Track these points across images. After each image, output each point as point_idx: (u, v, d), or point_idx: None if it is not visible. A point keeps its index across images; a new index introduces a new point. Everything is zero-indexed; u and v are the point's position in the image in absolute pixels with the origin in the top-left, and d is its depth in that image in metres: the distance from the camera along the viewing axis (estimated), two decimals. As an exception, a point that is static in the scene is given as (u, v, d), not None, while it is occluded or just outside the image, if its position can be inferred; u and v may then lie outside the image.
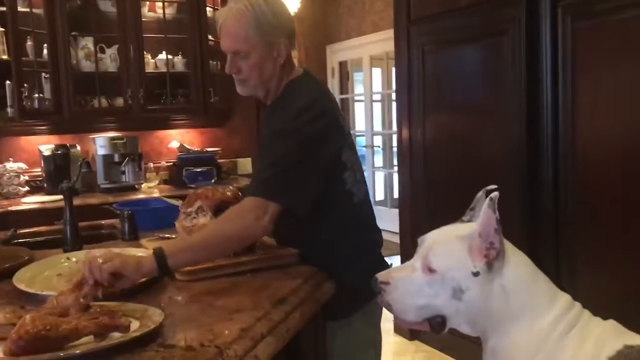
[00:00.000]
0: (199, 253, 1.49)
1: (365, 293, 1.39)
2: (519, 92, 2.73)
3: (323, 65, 6.74)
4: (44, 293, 1.42)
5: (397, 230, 3.73)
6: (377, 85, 7.17)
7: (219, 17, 1.65)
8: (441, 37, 3.24)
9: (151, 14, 4.19)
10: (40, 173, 3.88)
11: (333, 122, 1.62)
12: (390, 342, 3.52)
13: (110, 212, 2.40)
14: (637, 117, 2.28)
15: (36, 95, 3.73)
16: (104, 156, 3.92)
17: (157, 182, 4.23)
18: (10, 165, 3.77)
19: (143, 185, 4.04)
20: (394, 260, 3.12)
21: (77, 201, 2.03)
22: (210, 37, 4.23)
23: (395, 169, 6.76)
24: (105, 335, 1.12)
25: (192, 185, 3.92)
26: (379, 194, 7.09)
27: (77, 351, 1.06)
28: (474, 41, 3.03)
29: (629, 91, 2.31)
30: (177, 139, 4.42)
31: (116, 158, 3.92)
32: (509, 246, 1.25)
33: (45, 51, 3.75)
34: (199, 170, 4.08)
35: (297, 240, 1.70)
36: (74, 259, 1.76)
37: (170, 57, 4.18)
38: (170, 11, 4.23)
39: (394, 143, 6.79)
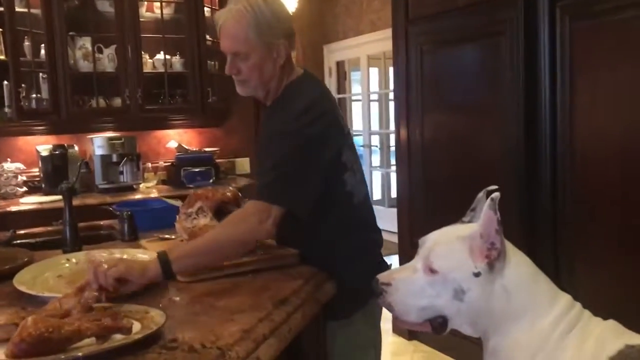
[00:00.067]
0: (202, 257, 1.50)
1: (365, 293, 1.39)
2: (517, 92, 2.73)
3: (320, 64, 6.75)
4: (45, 295, 1.42)
5: (395, 230, 3.74)
6: (375, 84, 7.18)
7: (218, 18, 1.65)
8: (439, 36, 3.24)
9: (149, 14, 4.18)
10: (38, 173, 3.87)
11: (333, 122, 1.63)
12: (389, 342, 3.52)
13: (108, 213, 2.39)
14: (635, 117, 2.29)
15: (34, 95, 3.72)
16: (102, 156, 3.90)
17: (155, 182, 4.22)
18: (8, 165, 3.76)
19: (141, 186, 4.03)
20: (392, 260, 3.11)
21: (75, 201, 2.02)
22: (208, 37, 4.22)
23: (393, 168, 6.78)
24: (107, 337, 1.12)
25: (191, 185, 3.91)
26: (376, 193, 7.10)
27: (79, 353, 1.06)
28: (472, 41, 3.03)
29: (627, 91, 2.31)
30: (175, 139, 4.41)
31: (114, 158, 3.91)
32: (509, 246, 1.25)
33: (42, 51, 3.74)
34: (197, 170, 4.07)
35: (298, 241, 1.70)
36: (74, 260, 1.76)
37: (168, 57, 4.17)
38: (168, 11, 4.23)
39: (391, 142, 6.84)
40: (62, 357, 1.04)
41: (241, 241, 1.53)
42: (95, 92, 3.93)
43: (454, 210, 1.41)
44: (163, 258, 1.41)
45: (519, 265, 1.24)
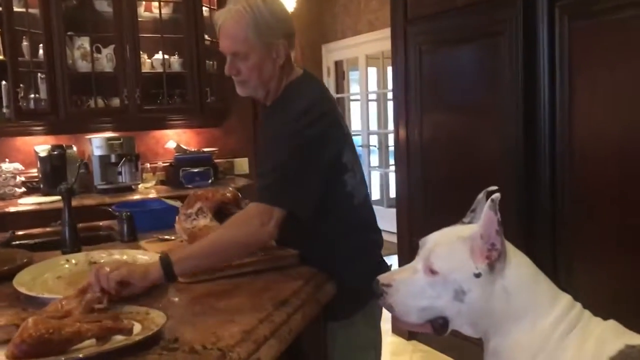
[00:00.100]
0: (204, 260, 1.50)
1: (365, 293, 1.39)
2: (516, 91, 2.74)
3: (319, 64, 6.75)
4: (44, 296, 1.41)
5: (394, 230, 3.75)
6: (373, 84, 7.18)
7: (217, 19, 1.65)
8: (438, 36, 3.24)
9: (147, 13, 4.18)
10: (36, 174, 3.87)
11: (333, 123, 1.62)
12: (388, 343, 3.52)
13: (106, 213, 2.39)
14: (634, 117, 2.29)
15: (32, 95, 3.72)
16: (101, 157, 3.90)
17: (154, 182, 4.22)
18: (6, 166, 3.75)
19: (140, 186, 4.02)
20: (391, 260, 3.10)
21: (73, 202, 2.02)
22: (206, 36, 4.22)
23: (391, 168, 6.78)
24: (108, 338, 1.12)
25: (189, 186, 3.91)
26: (375, 193, 7.10)
27: (80, 355, 1.06)
28: (471, 41, 3.03)
29: (626, 91, 2.32)
30: (173, 139, 4.41)
31: (113, 159, 3.90)
32: (510, 247, 1.25)
33: (41, 51, 3.74)
34: (195, 170, 4.07)
35: (298, 241, 1.70)
36: (73, 261, 1.75)
37: (166, 57, 4.16)
38: (166, 11, 4.22)
39: (390, 142, 6.84)
40: (63, 358, 1.04)
41: (243, 243, 1.53)
42: (93, 92, 3.93)
43: (452, 210, 1.41)
44: (165, 260, 1.41)
45: (519, 265, 1.24)
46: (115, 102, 4.03)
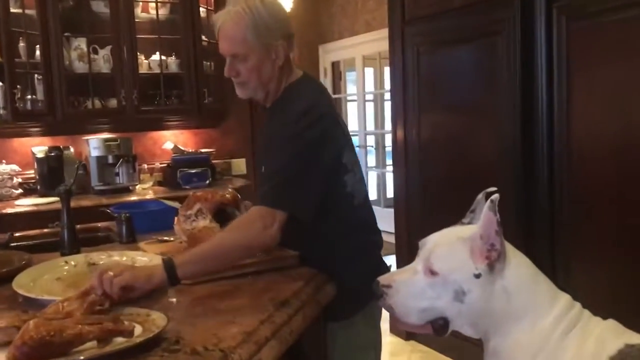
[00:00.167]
0: (208, 263, 1.50)
1: (365, 294, 1.39)
2: (514, 92, 2.74)
3: (315, 65, 6.75)
4: (44, 298, 1.41)
5: (391, 230, 3.74)
6: (370, 85, 7.18)
7: (217, 20, 1.65)
8: (436, 37, 3.25)
9: (144, 14, 4.17)
10: (33, 175, 3.86)
11: (333, 124, 1.63)
12: (386, 343, 3.52)
13: (104, 214, 2.38)
14: (631, 117, 2.30)
15: (29, 96, 3.70)
16: (98, 158, 3.89)
17: (151, 183, 4.21)
18: (3, 167, 3.74)
19: (137, 187, 4.01)
20: (389, 260, 3.10)
21: (70, 203, 2.01)
22: (203, 37, 4.22)
23: (388, 168, 6.79)
24: (109, 340, 1.12)
25: (187, 187, 3.91)
26: (372, 193, 7.11)
27: (81, 357, 1.06)
28: (469, 41, 3.04)
29: (623, 91, 2.32)
30: (171, 140, 4.40)
31: (110, 159, 3.89)
32: (509, 248, 1.26)
33: (37, 52, 3.72)
34: (193, 171, 4.06)
35: (297, 242, 1.70)
36: (72, 263, 1.75)
37: (163, 57, 4.16)
38: (163, 12, 4.21)
39: (387, 143, 6.85)
40: (64, 361, 1.04)
41: (246, 247, 1.53)
42: (90, 93, 3.92)
43: (450, 209, 1.41)
44: (168, 263, 1.41)
45: (519, 266, 1.25)
46: (113, 103, 4.03)
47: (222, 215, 1.77)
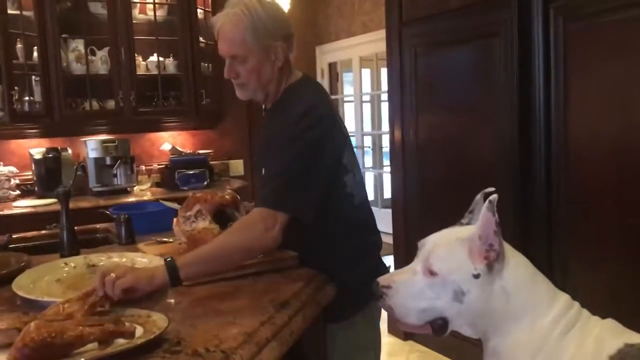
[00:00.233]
0: (209, 264, 1.50)
1: (365, 295, 1.39)
2: (511, 92, 2.75)
3: (312, 66, 6.74)
4: (44, 299, 1.41)
5: (388, 230, 3.74)
6: (367, 86, 7.19)
7: (216, 22, 1.65)
8: (433, 38, 3.26)
9: (142, 16, 4.16)
10: (31, 177, 3.85)
11: (332, 125, 1.63)
12: (385, 343, 3.47)
13: (102, 216, 2.38)
14: (629, 117, 2.31)
15: (27, 98, 3.70)
16: (96, 159, 3.88)
17: (149, 184, 4.21)
18: (1, 169, 3.74)
19: (135, 188, 4.01)
20: (387, 261, 3.10)
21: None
22: (201, 39, 4.21)
23: (385, 169, 6.80)
24: (110, 341, 1.12)
25: (185, 188, 3.91)
26: (369, 194, 7.03)
27: (82, 359, 1.06)
28: (466, 42, 3.05)
29: (620, 91, 2.34)
30: (169, 141, 4.40)
31: (108, 161, 3.88)
32: (508, 248, 1.26)
33: (35, 54, 3.72)
34: (191, 172, 4.06)
35: (297, 242, 1.70)
36: (72, 264, 1.75)
37: (161, 59, 4.15)
38: (160, 13, 4.21)
39: (384, 143, 6.85)
40: (65, 362, 1.04)
41: (248, 248, 1.53)
42: (88, 94, 3.91)
43: (448, 210, 1.42)
44: (171, 264, 1.41)
45: (517, 266, 1.25)
46: (110, 104, 4.02)
47: (222, 216, 1.77)
